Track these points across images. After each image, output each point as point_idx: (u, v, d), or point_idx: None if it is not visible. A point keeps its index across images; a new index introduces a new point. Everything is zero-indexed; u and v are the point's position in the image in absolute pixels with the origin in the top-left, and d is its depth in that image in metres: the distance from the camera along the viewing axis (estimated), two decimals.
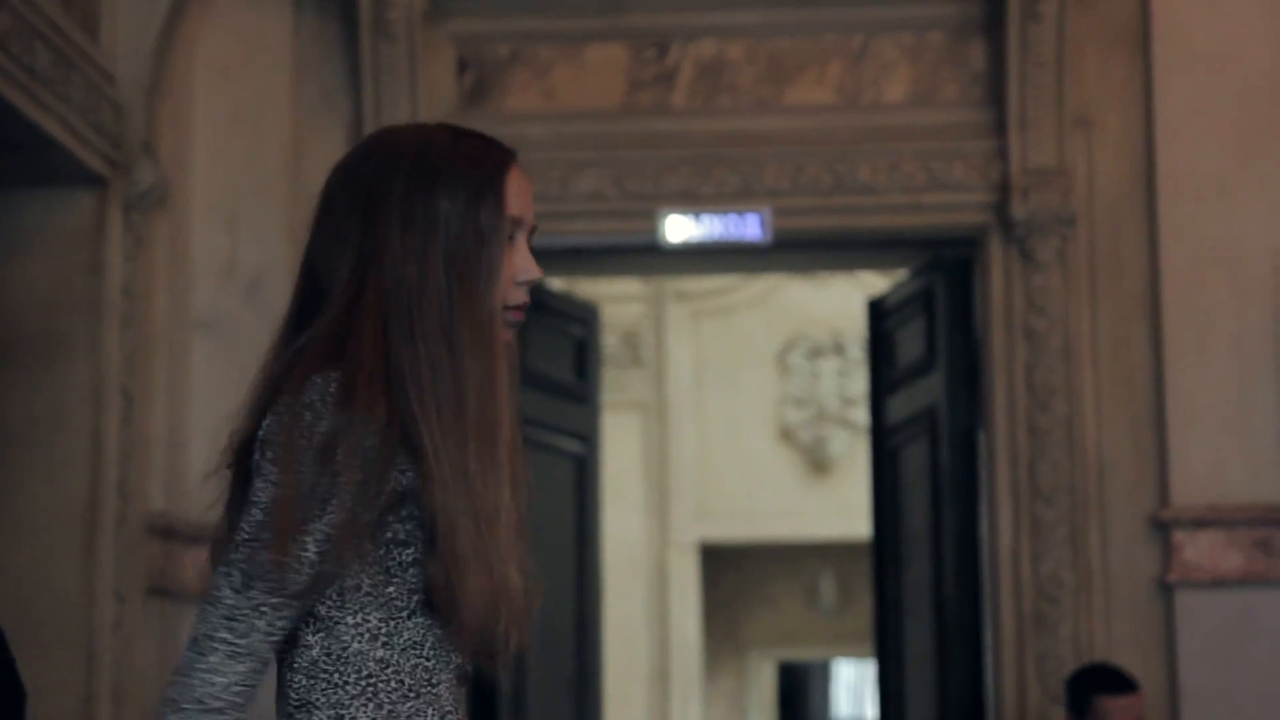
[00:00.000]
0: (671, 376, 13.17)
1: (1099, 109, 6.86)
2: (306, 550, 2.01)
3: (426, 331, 2.10)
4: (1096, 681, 5.88)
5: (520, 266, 2.21)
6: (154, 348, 6.24)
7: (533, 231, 2.25)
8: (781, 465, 13.44)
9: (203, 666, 2.00)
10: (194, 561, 6.38)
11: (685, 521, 13.40)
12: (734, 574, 14.63)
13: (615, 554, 12.52)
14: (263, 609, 2.02)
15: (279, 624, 2.03)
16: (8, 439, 5.96)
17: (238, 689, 2.01)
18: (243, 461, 2.14)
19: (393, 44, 6.83)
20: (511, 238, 2.20)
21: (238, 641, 2.01)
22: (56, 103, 5.70)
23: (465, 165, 2.19)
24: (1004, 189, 6.81)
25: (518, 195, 2.22)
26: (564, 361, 7.71)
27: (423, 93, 6.89)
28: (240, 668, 2.01)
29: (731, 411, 13.27)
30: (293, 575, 2.01)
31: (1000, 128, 6.87)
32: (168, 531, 6.27)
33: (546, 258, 7.49)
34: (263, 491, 2.03)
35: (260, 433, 2.07)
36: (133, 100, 6.16)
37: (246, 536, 2.02)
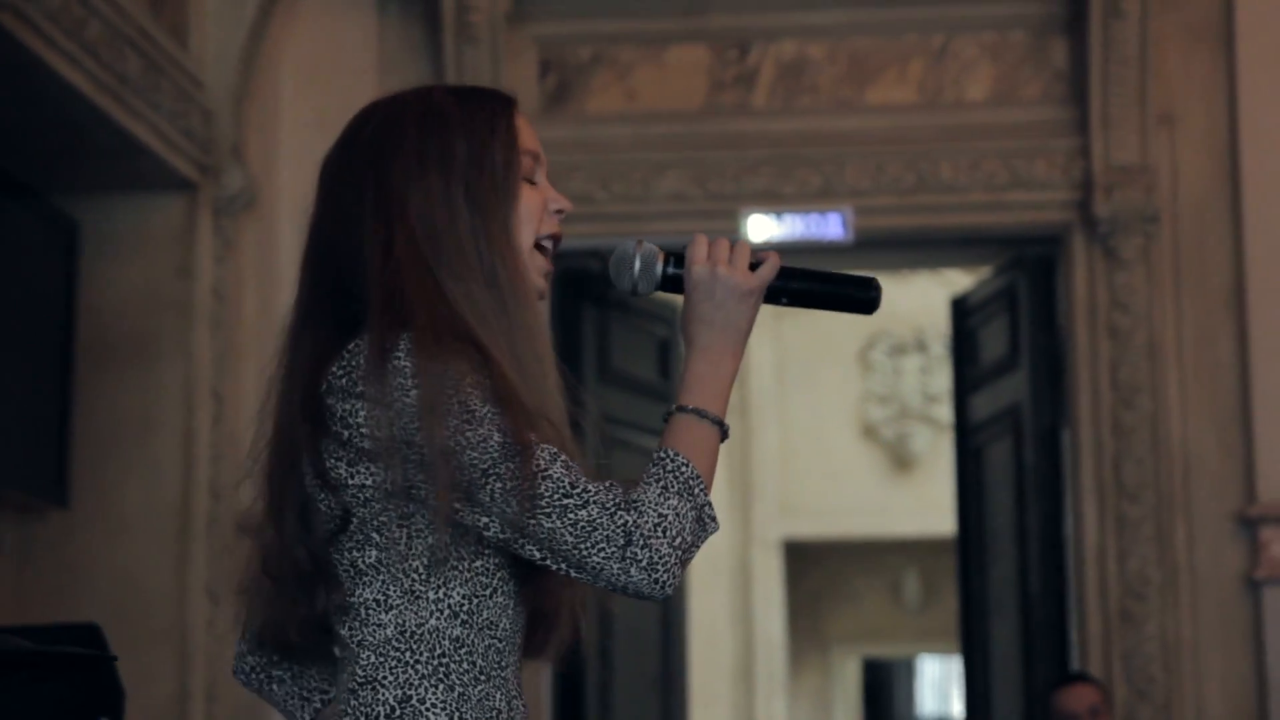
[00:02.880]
0: (754, 374, 13.17)
1: (1182, 106, 6.83)
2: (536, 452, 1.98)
3: (467, 269, 2.08)
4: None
5: (550, 196, 2.19)
6: (243, 349, 6.33)
7: (546, 167, 2.22)
8: (864, 462, 13.43)
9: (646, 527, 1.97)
10: None
11: (768, 519, 13.41)
12: (817, 571, 14.62)
13: (699, 552, 12.54)
14: (558, 469, 1.98)
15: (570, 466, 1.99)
16: (101, 440, 6.05)
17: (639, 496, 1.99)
18: (286, 452, 2.10)
19: (475, 46, 6.88)
20: (533, 174, 2.18)
21: (588, 491, 1.98)
22: (147, 109, 5.79)
23: (471, 107, 2.16)
24: (1087, 186, 6.80)
25: (527, 132, 2.19)
26: (647, 361, 7.75)
27: None
28: (611, 490, 1.99)
29: (814, 409, 13.27)
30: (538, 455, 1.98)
31: (1083, 125, 6.85)
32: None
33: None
34: (438, 458, 1.97)
35: (352, 420, 2.03)
36: (221, 106, 6.25)
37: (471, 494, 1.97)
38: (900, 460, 13.39)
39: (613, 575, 1.97)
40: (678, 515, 2.00)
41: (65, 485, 5.98)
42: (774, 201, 6.98)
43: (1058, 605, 6.95)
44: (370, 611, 2.05)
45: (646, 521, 1.97)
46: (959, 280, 10.00)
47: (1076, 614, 6.81)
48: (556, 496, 1.96)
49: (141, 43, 5.74)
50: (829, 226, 6.95)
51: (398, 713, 2.01)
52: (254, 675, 2.27)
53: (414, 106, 2.16)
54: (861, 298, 2.19)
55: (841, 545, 14.25)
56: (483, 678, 2.04)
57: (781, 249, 7.15)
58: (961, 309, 7.71)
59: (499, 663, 2.06)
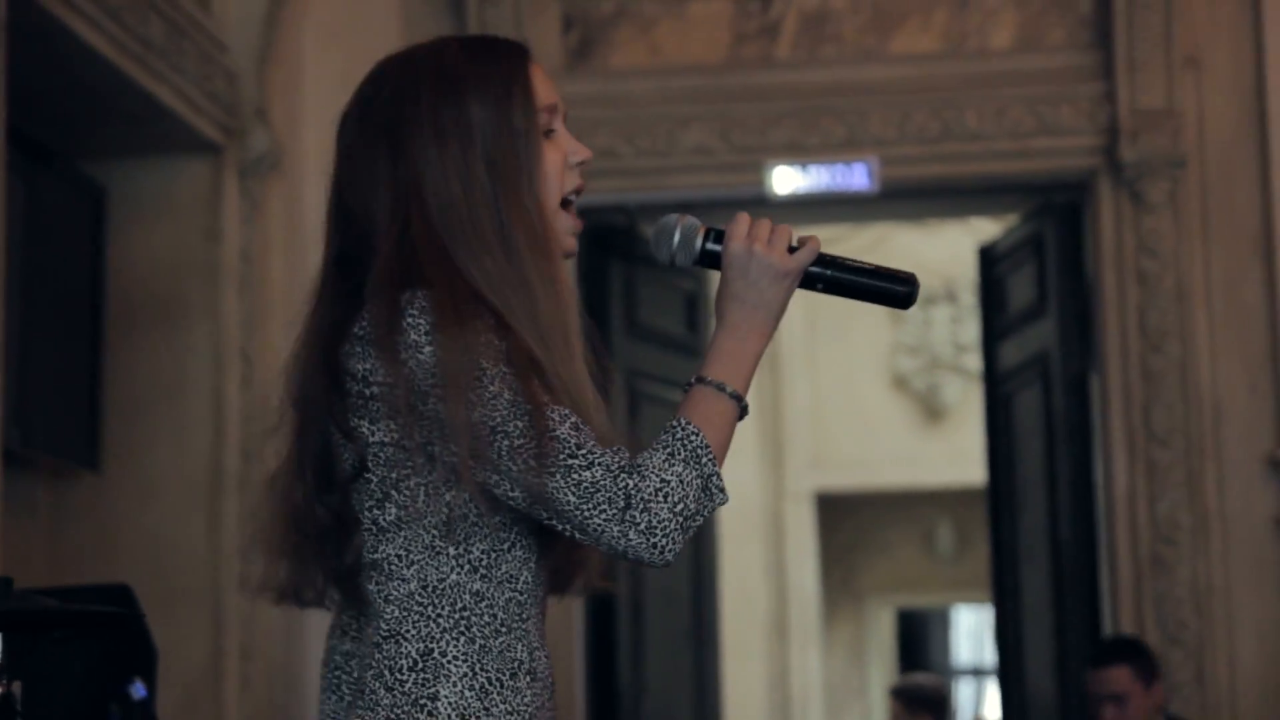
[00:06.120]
0: (784, 327, 12.98)
1: (1208, 49, 6.79)
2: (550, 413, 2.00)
3: (485, 244, 2.09)
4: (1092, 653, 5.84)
5: (568, 150, 2.19)
6: (271, 310, 6.34)
7: (565, 116, 2.22)
8: (895, 413, 13.43)
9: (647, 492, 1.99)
10: None
11: (800, 471, 13.43)
12: (850, 523, 14.63)
13: (731, 506, 12.40)
14: (566, 431, 2.00)
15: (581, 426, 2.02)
16: (132, 403, 6.08)
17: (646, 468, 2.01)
18: (307, 410, 2.12)
19: (498, 4, 6.88)
20: (551, 129, 2.18)
21: (593, 455, 2.00)
22: (171, 73, 5.79)
23: (486, 67, 2.16)
24: (1113, 132, 6.78)
25: (543, 84, 2.18)
26: (675, 315, 7.75)
27: None
28: (619, 456, 2.01)
29: (844, 361, 13.27)
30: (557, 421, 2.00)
31: (1108, 70, 6.83)
32: None
33: (654, 213, 7.53)
34: (453, 421, 1.99)
35: (373, 378, 2.05)
36: (245, 68, 6.25)
37: (482, 460, 1.99)
38: (931, 410, 13.39)
39: (613, 538, 2.00)
40: (681, 482, 2.01)
41: (96, 449, 6.01)
42: (799, 153, 6.97)
43: (1089, 552, 6.95)
44: (393, 567, 2.08)
45: (648, 485, 1.99)
46: (987, 229, 9.97)
47: (1107, 560, 6.81)
48: (562, 457, 1.98)
49: (164, 6, 5.74)
50: (854, 177, 6.94)
51: (420, 665, 2.06)
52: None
53: (428, 68, 2.16)
54: (899, 292, 2.20)
55: (874, 497, 14.26)
56: (504, 630, 2.08)
57: (808, 200, 7.14)
58: (989, 257, 7.71)
59: (520, 615, 2.10)
